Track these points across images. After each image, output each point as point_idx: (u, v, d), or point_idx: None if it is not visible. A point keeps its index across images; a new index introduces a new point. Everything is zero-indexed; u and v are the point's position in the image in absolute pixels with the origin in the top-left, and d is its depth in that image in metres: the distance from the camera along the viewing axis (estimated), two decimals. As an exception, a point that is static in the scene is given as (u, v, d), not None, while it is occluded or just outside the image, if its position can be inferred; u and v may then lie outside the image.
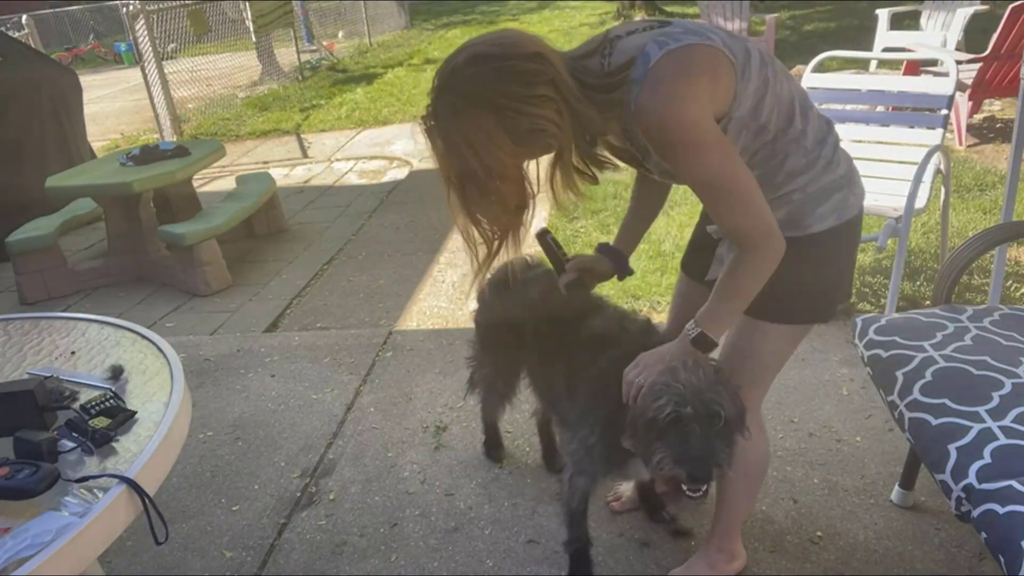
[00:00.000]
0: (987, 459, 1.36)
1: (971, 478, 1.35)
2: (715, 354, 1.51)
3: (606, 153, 1.47)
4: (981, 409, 1.48)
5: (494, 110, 1.24)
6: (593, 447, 1.64)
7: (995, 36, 4.75)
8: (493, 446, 2.40)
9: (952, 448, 1.42)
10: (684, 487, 1.37)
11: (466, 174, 1.31)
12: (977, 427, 1.44)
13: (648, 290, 3.39)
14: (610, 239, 1.83)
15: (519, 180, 1.35)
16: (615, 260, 1.78)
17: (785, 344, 1.55)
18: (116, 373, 1.50)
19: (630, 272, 1.81)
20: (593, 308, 1.77)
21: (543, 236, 1.75)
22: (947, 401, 1.53)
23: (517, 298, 1.95)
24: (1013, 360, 1.61)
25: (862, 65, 6.25)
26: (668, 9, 12.82)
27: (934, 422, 1.50)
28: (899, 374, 1.66)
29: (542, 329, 1.84)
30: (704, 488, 1.38)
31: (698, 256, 1.73)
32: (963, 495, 1.36)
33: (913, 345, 1.72)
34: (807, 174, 1.40)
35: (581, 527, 1.83)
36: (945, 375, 1.60)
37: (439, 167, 1.35)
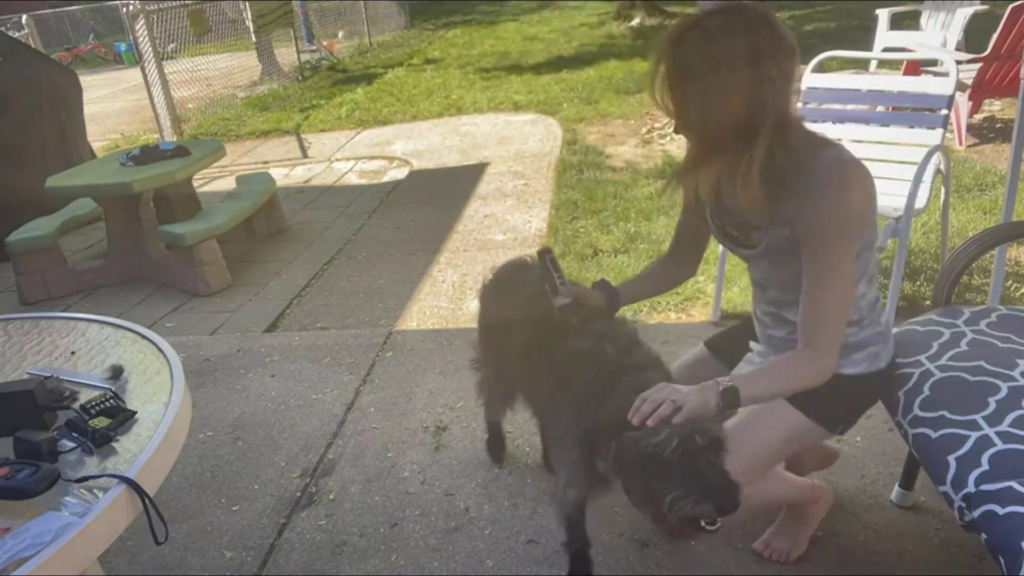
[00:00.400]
0: (985, 466, 1.36)
1: (970, 487, 1.35)
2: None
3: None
4: (978, 416, 1.48)
5: (754, 52, 1.28)
6: (576, 463, 1.61)
7: (995, 36, 4.75)
8: (495, 446, 2.39)
9: (951, 459, 1.42)
10: (703, 522, 1.33)
11: (699, 74, 1.33)
12: (975, 435, 1.44)
13: (648, 290, 3.38)
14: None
15: (732, 115, 1.34)
16: (610, 299, 1.77)
17: (785, 431, 1.57)
18: (116, 373, 1.50)
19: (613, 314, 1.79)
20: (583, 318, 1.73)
21: (543, 255, 1.74)
22: (945, 413, 1.52)
23: (512, 302, 1.94)
24: (1009, 363, 1.60)
25: (862, 65, 6.24)
26: (668, 9, 12.81)
27: (934, 435, 1.50)
28: (900, 395, 1.65)
29: (531, 338, 1.82)
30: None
31: (732, 344, 1.79)
32: (964, 504, 1.36)
33: (910, 362, 1.71)
34: (854, 327, 1.56)
35: (579, 530, 1.83)
36: (942, 387, 1.59)
37: (674, 59, 1.35)
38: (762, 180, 1.36)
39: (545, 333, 1.75)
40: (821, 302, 1.43)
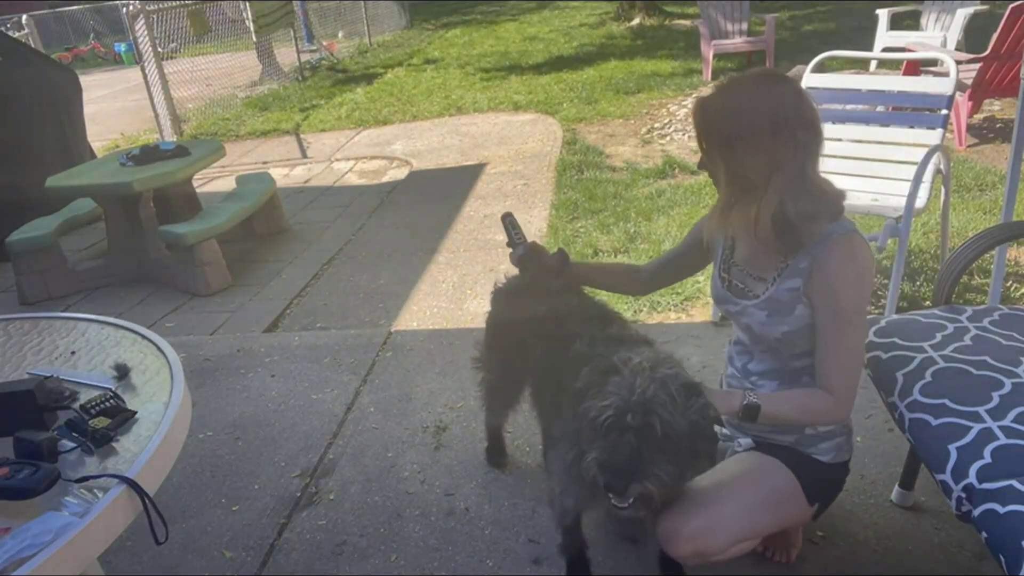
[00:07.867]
0: (987, 459, 1.36)
1: (971, 478, 1.35)
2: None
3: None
4: (981, 409, 1.48)
5: (779, 118, 1.41)
6: (570, 468, 1.57)
7: (995, 36, 4.75)
8: (496, 452, 2.36)
9: (952, 448, 1.42)
10: (609, 495, 1.35)
11: (732, 133, 1.45)
12: (977, 427, 1.44)
13: (648, 290, 3.38)
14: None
15: (749, 166, 1.46)
16: (560, 261, 1.94)
17: (770, 490, 1.60)
18: (123, 372, 1.49)
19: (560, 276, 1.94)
20: (596, 328, 1.71)
21: (505, 218, 2.01)
22: (947, 401, 1.53)
23: (526, 309, 1.91)
24: (1013, 360, 1.61)
25: (862, 65, 6.25)
26: (668, 9, 12.81)
27: (934, 422, 1.50)
28: (899, 375, 1.66)
29: (539, 345, 1.80)
30: (630, 502, 1.34)
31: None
32: (963, 495, 1.36)
33: (913, 346, 1.72)
34: None
35: (575, 534, 1.81)
36: (945, 375, 1.60)
37: (711, 117, 1.48)
38: (774, 226, 1.47)
39: (559, 340, 1.72)
40: (841, 351, 1.49)
